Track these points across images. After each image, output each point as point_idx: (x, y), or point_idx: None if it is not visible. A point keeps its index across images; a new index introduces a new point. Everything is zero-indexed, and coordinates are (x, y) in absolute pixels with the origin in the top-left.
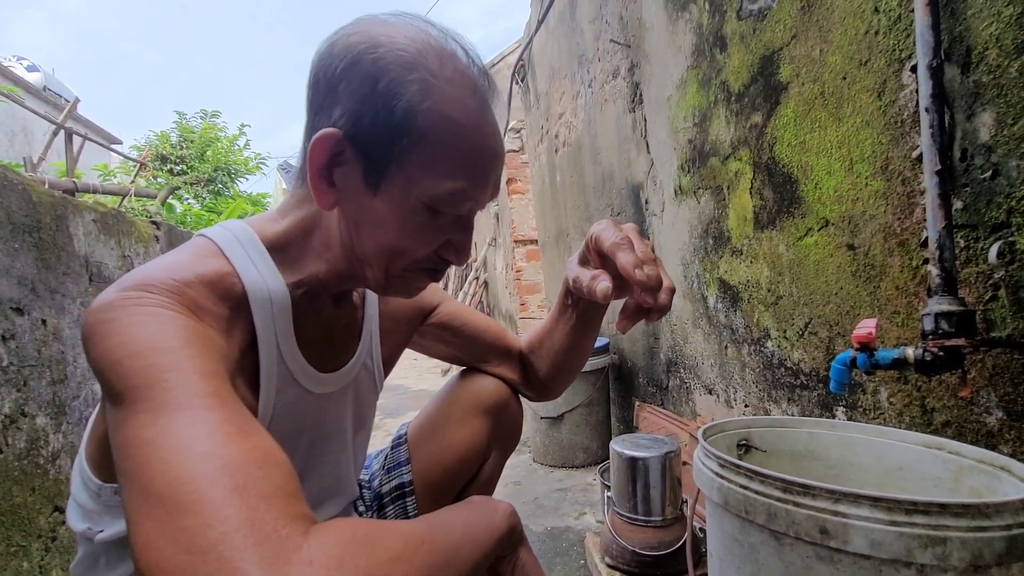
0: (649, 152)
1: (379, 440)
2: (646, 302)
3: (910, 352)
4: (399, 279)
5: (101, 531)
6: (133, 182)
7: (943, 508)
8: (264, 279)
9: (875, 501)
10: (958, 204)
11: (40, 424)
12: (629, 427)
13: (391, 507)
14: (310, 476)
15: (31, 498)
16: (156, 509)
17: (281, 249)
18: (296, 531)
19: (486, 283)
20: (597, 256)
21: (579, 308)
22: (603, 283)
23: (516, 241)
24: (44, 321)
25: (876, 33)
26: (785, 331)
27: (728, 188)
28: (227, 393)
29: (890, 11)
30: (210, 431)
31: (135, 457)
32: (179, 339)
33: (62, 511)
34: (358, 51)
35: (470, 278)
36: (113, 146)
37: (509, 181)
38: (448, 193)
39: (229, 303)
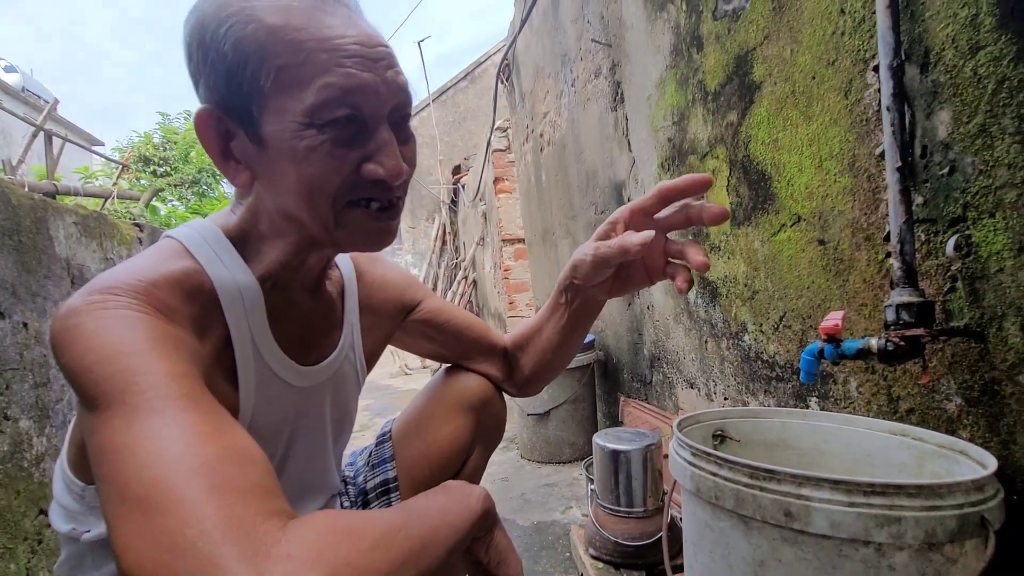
0: (631, 151)
1: (367, 440)
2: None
3: (873, 342)
4: (344, 229)
5: (87, 531)
6: (116, 184)
7: (898, 489)
8: (232, 275)
9: (835, 484)
10: (919, 199)
11: (23, 427)
12: (615, 422)
13: (376, 503)
14: (292, 470)
15: (16, 501)
16: (134, 512)
17: (242, 242)
18: (275, 526)
19: (475, 282)
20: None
21: (572, 307)
22: (639, 235)
23: (504, 240)
24: (25, 324)
25: (842, 34)
26: (761, 325)
27: None
28: (200, 393)
29: (855, 12)
30: (184, 432)
31: (111, 462)
32: (147, 340)
33: (47, 514)
34: (188, 27)
35: (459, 277)
36: (95, 148)
37: (496, 180)
38: (316, 100)
39: (199, 301)
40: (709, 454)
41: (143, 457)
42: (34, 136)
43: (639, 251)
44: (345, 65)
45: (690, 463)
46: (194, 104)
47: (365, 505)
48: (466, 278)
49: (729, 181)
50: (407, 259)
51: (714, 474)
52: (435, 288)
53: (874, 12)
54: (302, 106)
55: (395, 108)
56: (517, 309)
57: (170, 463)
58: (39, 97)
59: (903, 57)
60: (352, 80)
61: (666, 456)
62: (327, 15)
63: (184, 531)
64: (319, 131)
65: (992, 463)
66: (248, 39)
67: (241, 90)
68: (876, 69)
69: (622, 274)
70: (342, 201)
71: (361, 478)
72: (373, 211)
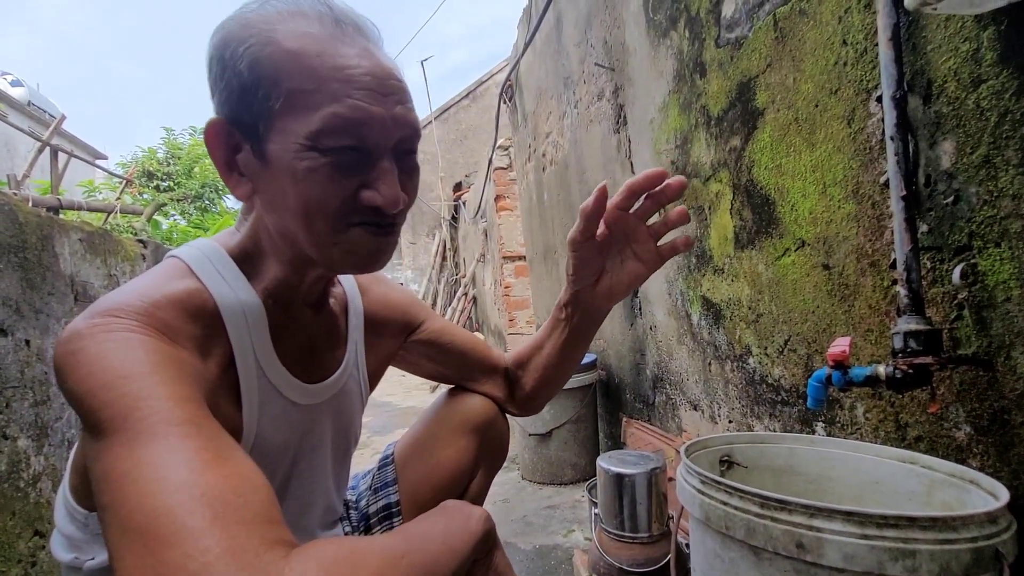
0: (633, 172)
1: (367, 459)
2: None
3: (881, 369)
4: (338, 247)
5: (91, 559)
6: (119, 199)
7: (912, 522)
8: (235, 293)
9: (848, 515)
10: (923, 227)
11: (21, 446)
12: (617, 443)
13: (378, 528)
14: (296, 488)
15: (11, 522)
16: (136, 543)
17: (245, 260)
18: (277, 555)
19: (475, 299)
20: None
21: (572, 321)
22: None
23: (504, 257)
24: (27, 342)
25: (845, 64)
26: (766, 348)
27: (709, 208)
28: (203, 418)
29: (857, 44)
30: (187, 459)
31: (113, 491)
32: (149, 364)
33: (42, 535)
34: (211, 43)
35: (459, 293)
36: (98, 162)
37: (497, 198)
38: (321, 125)
39: (202, 321)
40: (719, 482)
41: (145, 486)
42: (40, 151)
43: (596, 208)
44: (354, 97)
45: (699, 491)
46: (198, 120)
47: (367, 530)
48: (466, 294)
49: (732, 205)
50: (407, 275)
51: (724, 503)
52: (435, 304)
53: (876, 44)
54: (307, 129)
55: (401, 141)
56: (517, 326)
57: (173, 492)
58: (44, 111)
59: (906, 88)
60: (359, 112)
61: (671, 479)
62: (344, 44)
63: (187, 563)
64: (320, 154)
65: (1004, 494)
66: (265, 60)
67: (252, 107)
68: (879, 99)
69: (614, 267)
70: (341, 224)
71: (364, 502)
72: (366, 230)
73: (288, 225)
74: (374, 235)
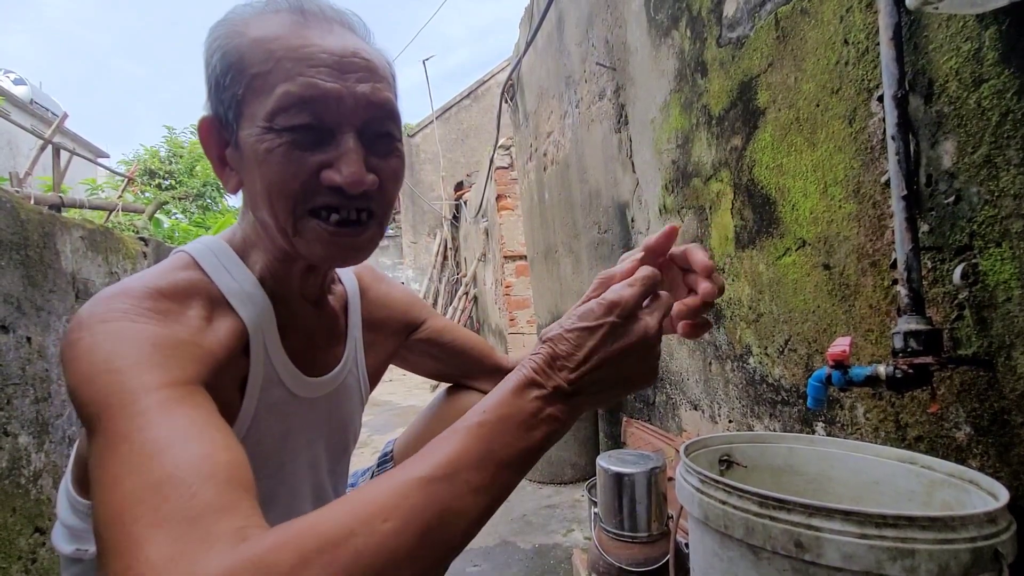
0: (634, 172)
1: (367, 457)
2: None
3: (882, 369)
4: (301, 238)
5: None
6: (120, 197)
7: (911, 521)
8: (240, 285)
9: (847, 515)
10: (924, 227)
11: (22, 443)
12: (617, 442)
13: None
14: (290, 482)
15: (12, 519)
16: (100, 553)
17: (246, 254)
18: (223, 549)
19: (476, 298)
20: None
21: None
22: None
23: (505, 257)
24: (29, 339)
25: (846, 64)
26: (766, 348)
27: (710, 208)
28: (175, 401)
29: (858, 43)
30: (141, 459)
31: (93, 498)
32: (137, 354)
33: (43, 532)
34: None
35: (460, 293)
36: (100, 160)
37: (499, 197)
38: (274, 105)
39: (208, 304)
40: (718, 481)
41: (103, 494)
42: (42, 149)
43: (656, 245)
44: (307, 74)
45: (698, 490)
46: (196, 119)
47: None
48: (467, 294)
49: (733, 204)
50: (408, 274)
51: (723, 502)
52: (436, 303)
53: (878, 43)
54: (264, 110)
55: (368, 122)
56: (518, 326)
57: (123, 498)
58: (47, 110)
59: (907, 88)
60: (312, 89)
61: (671, 479)
62: (307, 28)
63: (127, 574)
64: (277, 135)
65: (1004, 494)
66: (232, 50)
67: (223, 97)
68: (880, 99)
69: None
70: (302, 208)
71: None
72: (332, 223)
73: (262, 212)
74: (333, 232)
